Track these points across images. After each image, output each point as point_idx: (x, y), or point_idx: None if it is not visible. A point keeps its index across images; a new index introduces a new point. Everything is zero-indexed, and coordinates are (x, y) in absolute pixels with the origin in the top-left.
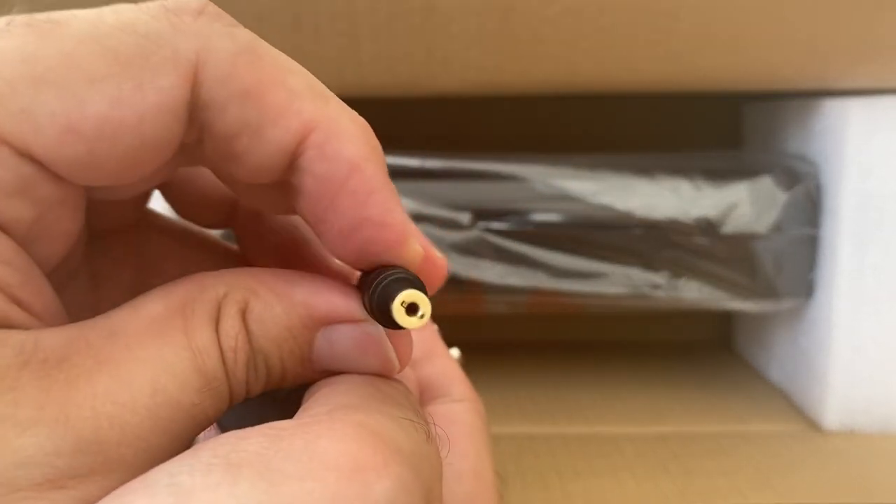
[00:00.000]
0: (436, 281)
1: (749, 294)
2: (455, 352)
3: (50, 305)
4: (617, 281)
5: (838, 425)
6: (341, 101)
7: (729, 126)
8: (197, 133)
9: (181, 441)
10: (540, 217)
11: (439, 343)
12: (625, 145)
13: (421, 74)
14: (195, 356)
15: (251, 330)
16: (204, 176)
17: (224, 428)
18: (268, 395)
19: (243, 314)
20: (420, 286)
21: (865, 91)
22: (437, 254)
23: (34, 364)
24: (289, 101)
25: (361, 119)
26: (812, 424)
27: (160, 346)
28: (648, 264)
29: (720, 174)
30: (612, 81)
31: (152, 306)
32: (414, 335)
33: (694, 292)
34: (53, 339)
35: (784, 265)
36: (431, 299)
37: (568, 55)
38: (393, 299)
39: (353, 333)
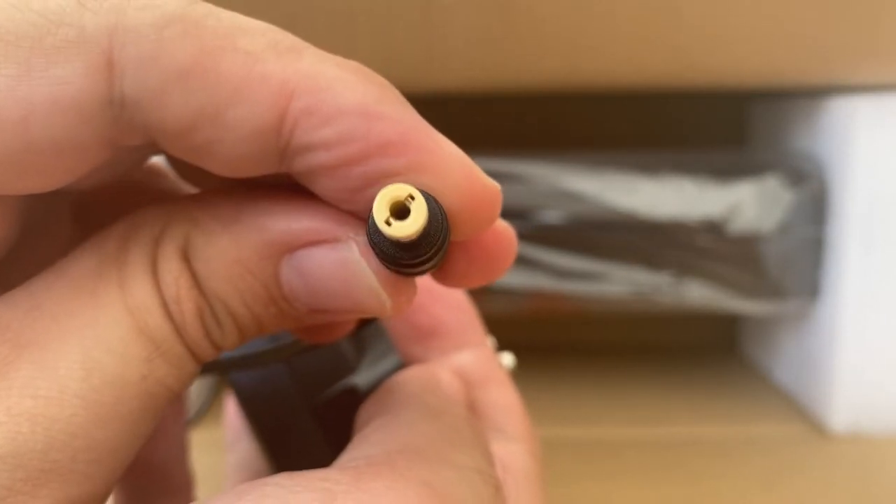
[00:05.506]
0: (478, 212)
1: (754, 295)
2: (508, 358)
3: None
4: (620, 282)
5: (844, 428)
6: (321, 51)
7: (734, 124)
8: (140, 135)
9: (141, 425)
10: (541, 217)
11: (497, 367)
12: (628, 144)
13: (420, 72)
14: (134, 316)
15: (196, 271)
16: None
17: (238, 389)
18: (285, 349)
19: (184, 252)
20: (429, 198)
21: (872, 87)
22: (485, 178)
23: None
24: (246, 68)
25: (351, 62)
26: (818, 427)
27: (92, 310)
28: (652, 265)
29: (725, 173)
30: (615, 79)
31: (82, 263)
32: (472, 357)
33: (698, 293)
34: None
35: (789, 265)
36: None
37: (570, 52)
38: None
39: (325, 259)
